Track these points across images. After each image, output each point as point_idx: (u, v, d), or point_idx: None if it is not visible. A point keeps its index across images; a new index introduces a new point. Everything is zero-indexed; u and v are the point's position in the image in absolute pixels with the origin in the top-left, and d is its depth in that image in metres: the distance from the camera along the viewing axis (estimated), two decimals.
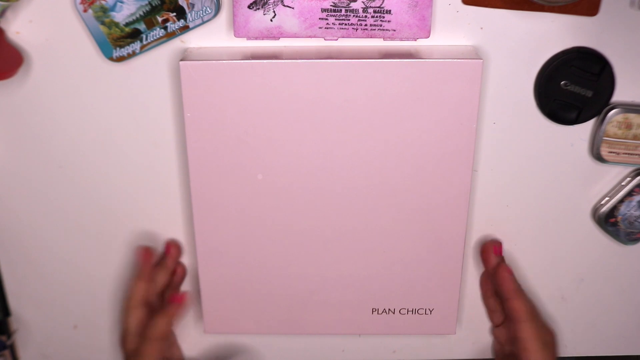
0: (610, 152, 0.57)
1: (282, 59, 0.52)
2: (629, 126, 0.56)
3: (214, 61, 0.52)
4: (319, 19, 0.52)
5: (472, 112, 0.53)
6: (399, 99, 0.52)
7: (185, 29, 0.53)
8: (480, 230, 0.61)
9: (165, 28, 0.53)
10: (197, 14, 0.52)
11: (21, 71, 0.55)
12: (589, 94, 0.55)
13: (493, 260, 0.60)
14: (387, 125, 0.53)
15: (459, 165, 0.55)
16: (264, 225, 0.57)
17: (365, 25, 0.52)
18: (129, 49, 0.53)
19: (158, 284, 0.60)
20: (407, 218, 0.57)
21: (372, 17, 0.52)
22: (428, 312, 0.61)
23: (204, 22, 0.53)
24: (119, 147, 0.59)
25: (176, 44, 0.55)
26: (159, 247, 0.62)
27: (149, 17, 0.52)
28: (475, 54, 0.53)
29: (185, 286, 0.64)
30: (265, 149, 0.55)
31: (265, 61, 0.52)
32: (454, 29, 0.54)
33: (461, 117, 0.53)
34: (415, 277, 0.59)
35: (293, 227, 0.57)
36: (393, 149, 0.54)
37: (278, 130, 0.54)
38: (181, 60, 0.52)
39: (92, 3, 0.52)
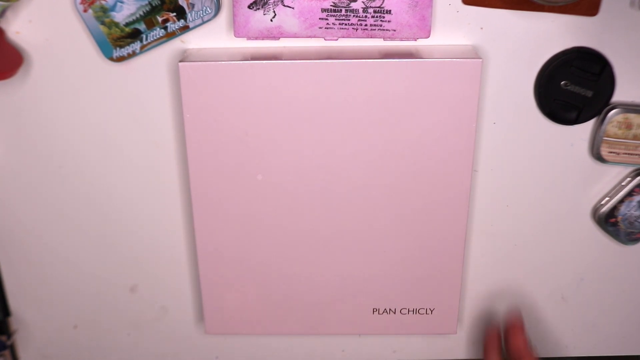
0: (610, 152, 0.57)
1: (282, 59, 0.52)
2: (629, 126, 0.56)
3: (213, 62, 0.52)
4: (319, 19, 0.52)
5: (471, 111, 0.53)
6: (399, 99, 0.52)
7: (185, 29, 0.53)
8: (480, 230, 0.61)
9: (165, 28, 0.53)
10: (197, 14, 0.52)
11: (21, 71, 0.55)
12: (589, 94, 0.55)
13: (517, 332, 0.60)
14: (386, 125, 0.53)
15: (459, 165, 0.55)
16: (264, 225, 0.57)
17: (365, 25, 0.52)
18: (129, 49, 0.53)
19: None
20: (408, 218, 0.57)
21: (372, 17, 0.52)
22: (429, 311, 0.61)
23: (204, 22, 0.53)
24: (119, 147, 0.59)
25: (176, 44, 0.55)
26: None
27: (149, 17, 0.52)
28: (474, 54, 0.53)
29: (185, 287, 0.64)
30: (265, 149, 0.55)
31: (264, 62, 0.52)
32: (454, 29, 0.54)
33: (461, 117, 0.53)
34: (415, 277, 0.59)
35: (293, 228, 0.57)
36: (393, 149, 0.54)
37: (278, 130, 0.54)
38: (180, 61, 0.52)
39: (92, 3, 0.52)
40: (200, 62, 0.52)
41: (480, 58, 0.52)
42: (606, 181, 0.59)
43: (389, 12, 0.52)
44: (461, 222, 0.57)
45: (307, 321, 0.62)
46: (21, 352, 0.68)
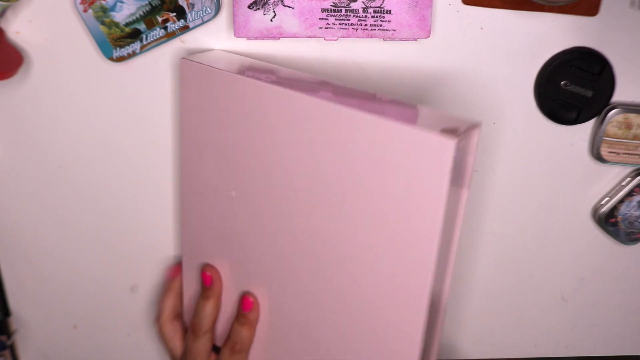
0: (610, 152, 0.57)
1: (280, 73, 0.50)
2: (629, 126, 0.56)
3: (211, 67, 0.50)
4: (319, 19, 0.52)
5: (439, 195, 0.42)
6: (365, 154, 0.45)
7: (185, 29, 0.53)
8: (480, 230, 0.61)
9: (165, 28, 0.53)
10: (197, 14, 0.52)
11: (21, 71, 0.55)
12: (589, 94, 0.55)
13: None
14: (356, 174, 0.45)
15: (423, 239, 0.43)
16: (242, 237, 0.54)
17: (365, 25, 0.52)
18: (129, 49, 0.53)
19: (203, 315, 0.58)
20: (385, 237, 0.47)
21: (372, 17, 0.52)
22: None
23: (204, 22, 0.53)
24: (119, 147, 0.59)
25: (176, 44, 0.55)
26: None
27: (149, 17, 0.52)
28: (462, 127, 0.42)
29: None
30: (243, 166, 0.51)
31: (259, 82, 0.48)
32: (454, 29, 0.54)
33: (429, 198, 0.42)
34: (373, 331, 0.48)
35: (270, 245, 0.53)
36: (361, 197, 0.46)
37: (256, 149, 0.50)
38: (183, 58, 0.51)
39: (92, 3, 0.52)
40: (200, 64, 0.51)
41: (457, 138, 0.40)
42: (606, 181, 0.60)
43: (389, 12, 0.52)
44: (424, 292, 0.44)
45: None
46: (21, 352, 0.68)
